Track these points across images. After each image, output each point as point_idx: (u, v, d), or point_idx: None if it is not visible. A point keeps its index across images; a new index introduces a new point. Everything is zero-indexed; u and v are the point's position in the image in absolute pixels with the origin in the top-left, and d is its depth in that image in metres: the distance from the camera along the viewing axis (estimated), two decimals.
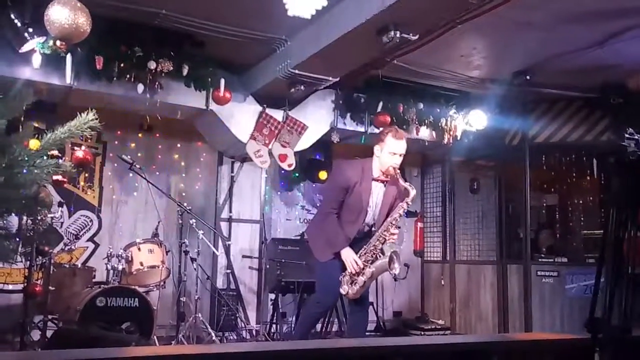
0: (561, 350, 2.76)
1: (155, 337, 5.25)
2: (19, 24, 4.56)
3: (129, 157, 5.62)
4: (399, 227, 4.31)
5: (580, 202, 7.85)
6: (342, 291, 4.07)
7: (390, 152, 4.05)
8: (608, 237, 2.35)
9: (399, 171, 4.10)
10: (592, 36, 5.34)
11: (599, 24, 5.10)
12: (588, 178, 7.55)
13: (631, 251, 2.35)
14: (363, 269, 4.02)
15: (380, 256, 4.04)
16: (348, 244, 4.06)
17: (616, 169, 2.37)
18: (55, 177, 4.83)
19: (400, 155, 4.08)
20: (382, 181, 4.15)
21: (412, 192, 4.04)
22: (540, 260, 7.02)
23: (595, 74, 6.17)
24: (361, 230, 4.19)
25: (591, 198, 7.70)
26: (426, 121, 6.93)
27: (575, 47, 5.57)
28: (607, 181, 7.10)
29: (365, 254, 4.06)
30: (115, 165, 6.52)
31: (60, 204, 6.06)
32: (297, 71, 5.49)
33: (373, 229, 4.22)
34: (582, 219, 7.78)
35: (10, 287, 5.75)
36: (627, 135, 2.32)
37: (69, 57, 5.16)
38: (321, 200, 4.43)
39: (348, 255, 4.02)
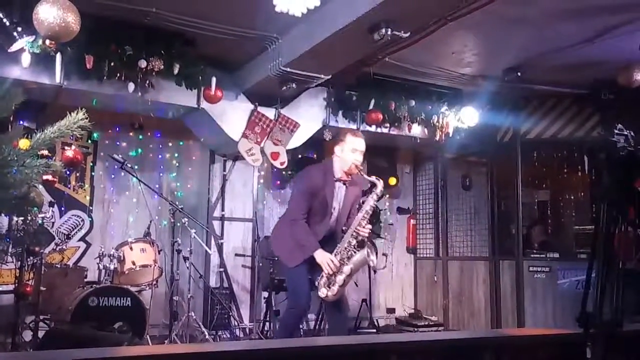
0: (553, 345, 2.77)
1: (148, 336, 5.23)
2: (7, 23, 4.53)
3: (120, 156, 5.59)
4: (371, 221, 4.34)
5: (572, 197, 7.89)
6: (321, 294, 4.02)
7: (352, 149, 4.13)
8: (599, 233, 2.35)
9: (362, 168, 4.19)
10: (583, 32, 5.37)
11: (589, 21, 5.12)
12: (579, 174, 7.58)
13: (622, 246, 2.36)
14: (341, 267, 4.01)
15: (355, 252, 4.05)
16: (320, 247, 4.04)
17: (606, 165, 2.38)
18: (45, 177, 4.83)
19: (361, 152, 4.17)
20: (344, 181, 4.21)
21: (379, 185, 4.12)
22: (532, 255, 7.05)
23: (586, 70, 6.21)
24: (328, 231, 4.20)
25: (582, 194, 7.74)
26: (418, 118, 6.94)
27: (566, 44, 5.59)
28: (597, 177, 7.11)
29: (340, 252, 4.05)
30: (107, 164, 6.50)
31: (51, 204, 6.03)
32: (288, 69, 5.49)
33: (344, 228, 4.23)
34: (573, 214, 7.82)
35: (1, 287, 5.72)
36: (616, 131, 2.33)
37: (58, 56, 5.12)
38: (288, 206, 4.44)
39: (323, 256, 4.00)
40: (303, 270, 4.11)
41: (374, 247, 4.09)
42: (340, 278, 4.00)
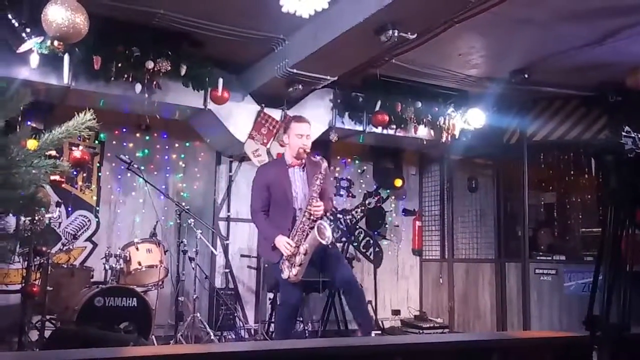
0: (559, 348, 2.76)
1: (153, 336, 5.24)
2: (16, 24, 4.55)
3: (127, 156, 5.61)
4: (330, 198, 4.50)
5: (579, 200, 7.86)
6: (284, 276, 4.15)
7: (296, 134, 4.33)
8: (606, 235, 2.35)
9: (309, 151, 4.32)
10: (590, 34, 5.34)
11: (597, 22, 5.10)
12: (586, 176, 7.55)
13: (629, 249, 2.35)
14: (297, 247, 4.12)
15: (310, 232, 4.16)
16: (279, 232, 4.19)
17: (614, 167, 2.37)
18: (53, 177, 4.84)
19: (307, 136, 4.35)
20: (299, 166, 4.36)
21: (324, 164, 4.25)
22: (538, 258, 7.02)
23: (593, 72, 6.18)
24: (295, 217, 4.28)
25: (589, 196, 7.70)
26: (424, 120, 6.93)
27: (573, 45, 5.57)
28: (605, 179, 7.08)
29: (296, 234, 4.17)
30: (113, 165, 6.52)
31: (58, 204, 6.06)
32: (295, 70, 5.49)
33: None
34: (580, 217, 7.78)
35: (8, 287, 5.75)
36: (624, 133, 2.32)
37: (66, 57, 5.14)
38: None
39: (280, 240, 4.16)
40: None
41: (324, 226, 4.16)
42: (298, 258, 4.13)
